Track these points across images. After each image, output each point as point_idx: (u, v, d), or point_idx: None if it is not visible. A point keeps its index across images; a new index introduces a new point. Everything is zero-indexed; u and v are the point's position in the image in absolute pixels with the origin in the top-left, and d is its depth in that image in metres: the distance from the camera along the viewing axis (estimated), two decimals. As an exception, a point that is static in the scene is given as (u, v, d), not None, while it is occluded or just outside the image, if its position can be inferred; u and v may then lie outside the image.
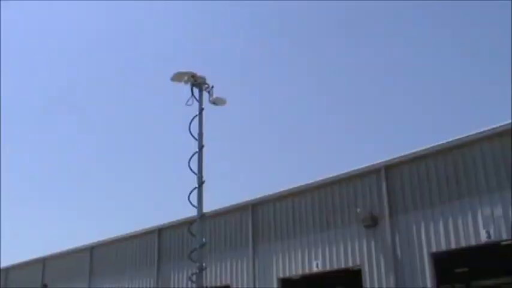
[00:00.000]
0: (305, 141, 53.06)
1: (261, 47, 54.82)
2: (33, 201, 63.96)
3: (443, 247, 17.62)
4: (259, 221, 23.19)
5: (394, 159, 19.40)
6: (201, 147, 11.28)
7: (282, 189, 22.77)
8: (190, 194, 11.17)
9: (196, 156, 11.31)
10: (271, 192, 23.08)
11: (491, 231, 16.59)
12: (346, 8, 48.37)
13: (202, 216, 11.16)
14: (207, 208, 11.47)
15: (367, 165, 20.09)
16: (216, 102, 11.84)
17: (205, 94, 11.86)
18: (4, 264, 38.32)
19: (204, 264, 11.55)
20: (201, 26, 55.83)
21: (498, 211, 16.58)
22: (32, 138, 64.57)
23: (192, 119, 11.54)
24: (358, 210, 19.80)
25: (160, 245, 27.55)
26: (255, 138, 56.10)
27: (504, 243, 16.86)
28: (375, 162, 19.84)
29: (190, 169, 11.20)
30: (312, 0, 47.82)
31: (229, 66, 54.39)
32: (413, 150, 18.99)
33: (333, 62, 52.81)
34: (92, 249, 31.72)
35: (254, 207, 23.56)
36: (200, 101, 11.71)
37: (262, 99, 54.77)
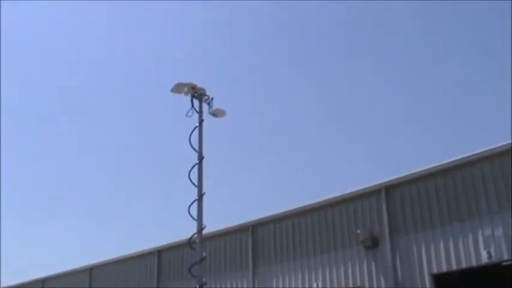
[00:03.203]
0: (305, 161, 52.72)
1: (261, 58, 54.75)
2: (29, 219, 63.23)
3: (444, 268, 17.53)
4: (260, 242, 23.10)
5: (395, 179, 19.41)
6: (201, 158, 11.34)
7: (282, 210, 22.74)
8: (190, 206, 11.19)
9: (196, 168, 11.37)
10: (271, 213, 23.05)
11: (492, 252, 16.53)
12: (347, 10, 48.34)
13: (202, 229, 11.14)
14: (206, 224, 11.41)
15: (367, 186, 20.10)
16: (215, 113, 11.96)
17: (205, 106, 12.00)
18: (2, 285, 37.98)
19: (204, 280, 11.47)
20: (201, 36, 55.83)
21: (499, 231, 16.54)
22: (30, 147, 63.77)
23: (192, 131, 11.65)
24: (359, 231, 19.74)
25: (159, 266, 27.40)
26: (254, 156, 55.59)
27: (505, 263, 16.75)
28: (375, 183, 19.84)
29: (191, 181, 11.24)
30: (313, 1, 47.77)
31: (230, 76, 54.20)
32: (414, 171, 18.99)
33: (334, 79, 52.47)
34: (91, 270, 31.54)
35: (254, 228, 23.49)
36: (200, 113, 11.84)
37: (262, 115, 54.30)
